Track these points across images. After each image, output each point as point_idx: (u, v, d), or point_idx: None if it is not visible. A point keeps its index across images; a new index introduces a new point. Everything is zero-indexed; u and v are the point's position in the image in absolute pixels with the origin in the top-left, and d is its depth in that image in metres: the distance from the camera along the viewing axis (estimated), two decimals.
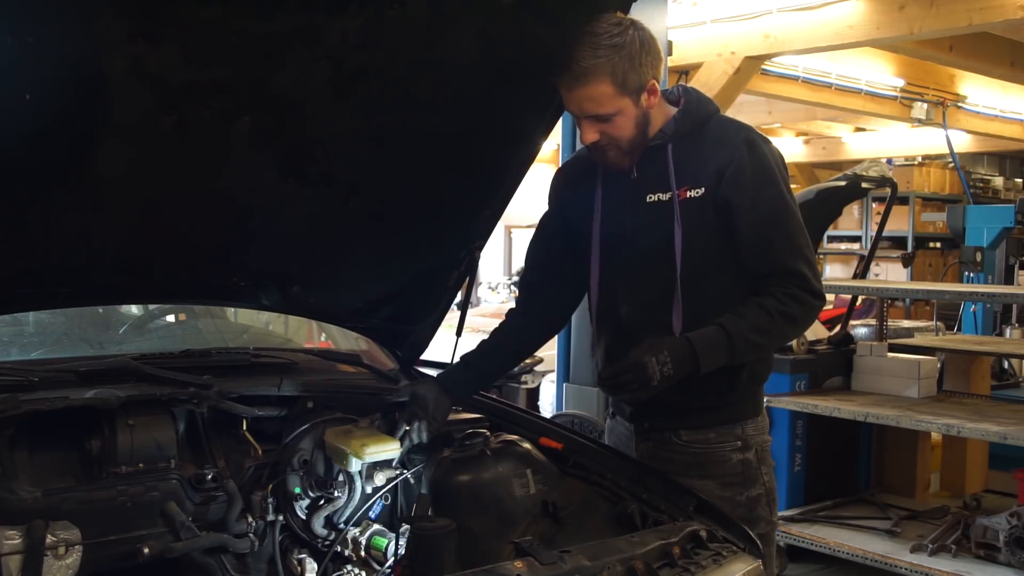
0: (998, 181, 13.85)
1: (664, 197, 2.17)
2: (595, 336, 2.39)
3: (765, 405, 2.38)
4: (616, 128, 2.12)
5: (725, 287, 2.18)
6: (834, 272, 11.68)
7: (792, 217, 2.16)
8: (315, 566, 2.26)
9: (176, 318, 3.18)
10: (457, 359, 2.43)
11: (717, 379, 2.16)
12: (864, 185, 5.28)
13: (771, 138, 2.28)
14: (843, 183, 5.26)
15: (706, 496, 2.18)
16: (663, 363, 2.05)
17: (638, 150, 2.18)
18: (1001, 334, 6.81)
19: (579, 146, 4.66)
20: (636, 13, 2.17)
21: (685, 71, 6.73)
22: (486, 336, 2.43)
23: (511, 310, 2.50)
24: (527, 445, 2.26)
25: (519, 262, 12.71)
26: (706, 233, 2.15)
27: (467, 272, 2.50)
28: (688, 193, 2.15)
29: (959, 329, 7.69)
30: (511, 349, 2.50)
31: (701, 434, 2.23)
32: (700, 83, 6.45)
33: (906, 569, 4.10)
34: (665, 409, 2.24)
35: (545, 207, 2.43)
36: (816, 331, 5.45)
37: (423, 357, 2.83)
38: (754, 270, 2.16)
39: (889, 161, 11.33)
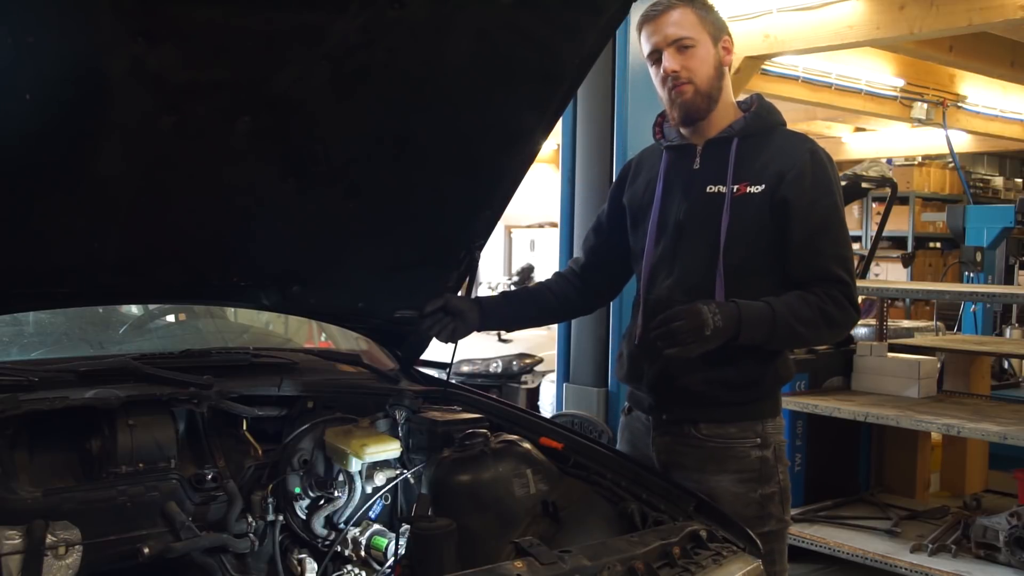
0: (998, 181, 13.86)
1: (722, 189, 2.23)
2: (632, 318, 2.44)
3: None
4: (696, 60, 2.21)
5: (769, 287, 2.20)
6: None
7: (842, 230, 2.24)
8: (315, 566, 2.26)
9: (176, 318, 3.18)
10: (498, 294, 2.56)
11: (746, 373, 2.23)
12: (864, 185, 5.28)
13: None
14: (843, 183, 5.24)
15: (719, 492, 2.21)
16: (714, 312, 2.08)
17: (714, 101, 2.25)
18: (1001, 334, 6.81)
19: (580, 145, 4.65)
20: (636, 12, 2.17)
21: None
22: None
23: (557, 273, 2.61)
24: (527, 445, 2.26)
25: (519, 262, 12.69)
26: (756, 230, 2.21)
27: (467, 272, 2.50)
28: (748, 189, 2.21)
29: (959, 329, 7.68)
30: (549, 308, 2.58)
31: (722, 428, 2.26)
32: None
33: (906, 569, 4.10)
34: (688, 399, 2.27)
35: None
36: None
37: (423, 357, 2.83)
38: (798, 274, 2.20)
39: (889, 161, 11.33)
